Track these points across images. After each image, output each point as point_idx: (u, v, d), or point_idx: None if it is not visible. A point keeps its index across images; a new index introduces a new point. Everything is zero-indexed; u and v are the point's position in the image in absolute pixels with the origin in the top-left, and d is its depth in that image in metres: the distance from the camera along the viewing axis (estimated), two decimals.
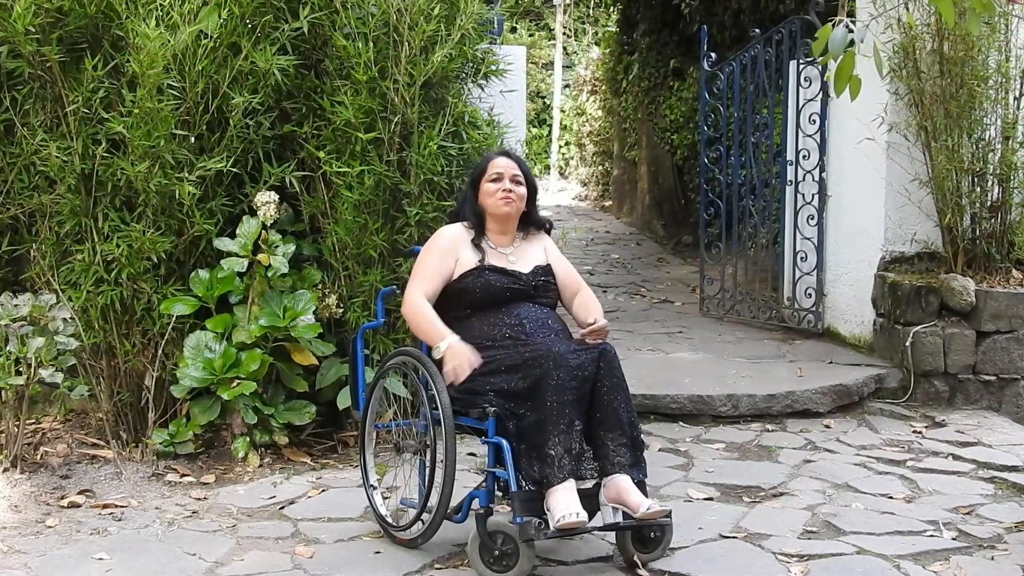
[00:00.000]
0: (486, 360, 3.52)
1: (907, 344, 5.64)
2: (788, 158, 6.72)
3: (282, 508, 4.12)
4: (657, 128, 11.36)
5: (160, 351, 4.62)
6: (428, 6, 4.58)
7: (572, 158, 18.30)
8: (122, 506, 4.11)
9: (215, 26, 4.47)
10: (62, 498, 4.18)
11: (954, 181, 5.68)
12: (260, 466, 4.55)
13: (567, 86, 18.70)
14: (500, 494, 3.50)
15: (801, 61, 6.54)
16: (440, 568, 3.53)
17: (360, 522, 3.97)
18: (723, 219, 7.24)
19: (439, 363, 3.54)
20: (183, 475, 4.46)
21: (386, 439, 4.32)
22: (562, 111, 18.77)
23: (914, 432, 5.21)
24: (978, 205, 5.78)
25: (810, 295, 6.59)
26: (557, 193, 17.26)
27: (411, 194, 4.65)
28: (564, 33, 19.49)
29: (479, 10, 4.75)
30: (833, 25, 2.90)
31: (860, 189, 6.15)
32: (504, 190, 3.73)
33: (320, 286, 4.76)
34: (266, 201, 4.57)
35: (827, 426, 5.32)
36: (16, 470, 4.37)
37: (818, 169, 6.50)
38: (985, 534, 3.83)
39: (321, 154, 4.65)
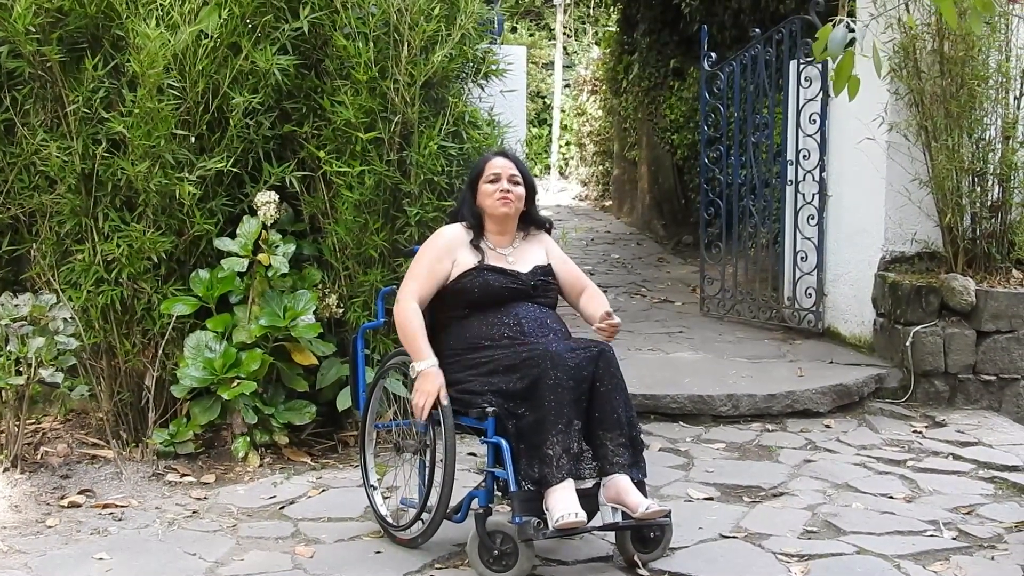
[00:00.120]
0: (483, 360, 3.52)
1: (907, 344, 5.64)
2: (788, 158, 6.72)
3: (282, 508, 4.12)
4: (657, 128, 11.36)
5: (160, 351, 4.62)
6: (428, 6, 4.58)
7: (572, 158, 18.31)
8: (122, 506, 4.12)
9: (215, 26, 4.47)
10: (62, 498, 4.18)
11: (954, 181, 5.68)
12: (260, 466, 4.55)
13: (567, 86, 18.71)
14: (500, 494, 3.50)
15: (801, 61, 6.54)
16: (440, 568, 3.53)
17: (360, 522, 3.97)
18: (723, 219, 7.24)
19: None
20: (183, 475, 4.46)
21: (386, 439, 4.32)
22: (562, 111, 18.78)
23: (914, 432, 5.21)
24: (978, 205, 5.78)
25: (810, 295, 6.59)
26: (557, 193, 17.26)
27: (411, 194, 4.65)
28: (564, 33, 19.51)
29: (479, 10, 4.75)
30: (833, 25, 2.90)
31: (860, 189, 6.15)
32: (502, 191, 3.71)
33: (320, 286, 4.76)
34: (266, 201, 4.57)
35: (827, 426, 5.32)
36: (16, 470, 4.37)
37: (818, 169, 6.50)
38: (985, 534, 3.83)
39: (321, 154, 4.65)
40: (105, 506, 4.11)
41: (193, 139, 4.55)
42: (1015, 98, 5.77)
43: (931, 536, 3.81)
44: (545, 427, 3.33)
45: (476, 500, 3.50)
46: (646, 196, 12.27)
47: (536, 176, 16.38)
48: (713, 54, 7.35)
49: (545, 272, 3.77)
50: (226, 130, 4.58)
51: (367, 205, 4.63)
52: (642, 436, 3.61)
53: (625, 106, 12.75)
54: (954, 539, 3.79)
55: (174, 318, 4.55)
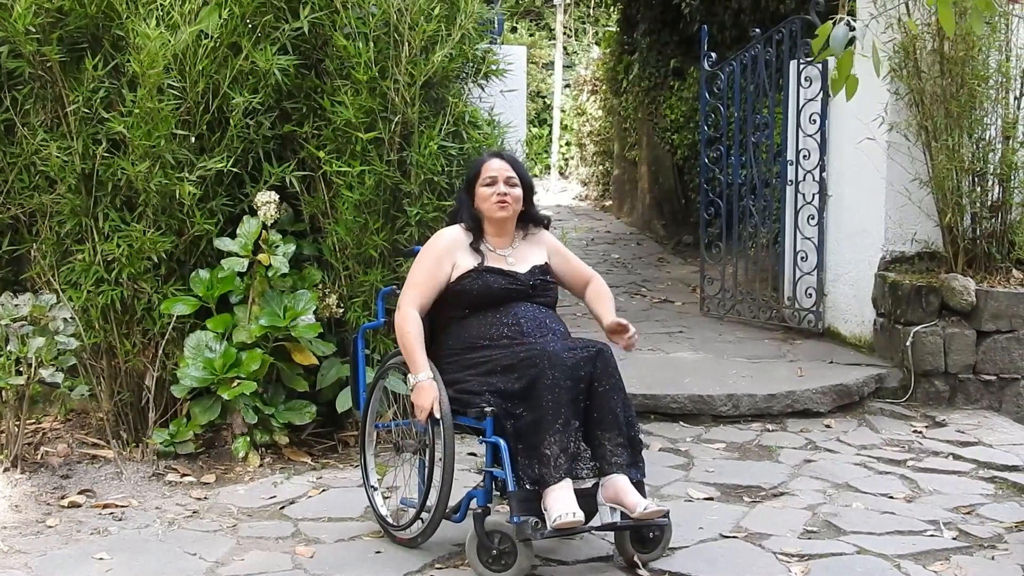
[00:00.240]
0: (482, 360, 3.53)
1: (907, 344, 5.64)
2: (788, 158, 6.71)
3: (282, 508, 4.12)
4: (657, 128, 11.36)
5: (160, 351, 4.62)
6: (428, 6, 4.58)
7: (572, 158, 18.30)
8: (122, 506, 4.12)
9: (215, 26, 4.47)
10: (62, 498, 4.18)
11: (954, 181, 5.68)
12: (260, 466, 4.55)
13: (567, 86, 18.69)
14: (498, 494, 3.49)
15: (801, 61, 6.54)
16: (441, 568, 3.53)
17: (360, 522, 3.97)
18: (723, 219, 7.24)
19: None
20: (183, 475, 4.46)
21: (386, 439, 4.32)
22: (562, 111, 18.77)
23: (914, 432, 5.20)
24: (978, 205, 5.78)
25: (810, 295, 6.59)
26: (557, 193, 17.25)
27: (411, 194, 4.65)
28: (564, 33, 19.49)
29: (479, 10, 4.75)
30: (834, 23, 2.90)
31: (860, 189, 6.15)
32: (499, 195, 3.70)
33: (320, 286, 4.76)
34: (266, 201, 4.57)
35: (827, 426, 5.32)
36: (16, 470, 4.37)
37: (818, 169, 6.50)
38: (985, 534, 3.83)
39: (321, 154, 4.65)
40: (105, 506, 4.11)
41: (193, 139, 4.55)
42: (1015, 98, 5.77)
43: (931, 536, 3.81)
44: (543, 427, 3.33)
45: (475, 500, 3.50)
46: (646, 196, 12.27)
47: (536, 176, 16.38)
48: (713, 54, 7.35)
49: (543, 272, 3.77)
50: (226, 130, 4.58)
51: (367, 205, 4.63)
52: (642, 436, 3.61)
53: (625, 106, 12.74)
54: (954, 539, 3.79)
55: (174, 318, 4.55)
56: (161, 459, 4.55)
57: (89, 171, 4.56)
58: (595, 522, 3.40)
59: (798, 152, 6.62)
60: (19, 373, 4.35)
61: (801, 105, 6.58)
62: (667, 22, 10.91)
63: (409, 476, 3.79)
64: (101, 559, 3.59)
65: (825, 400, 5.47)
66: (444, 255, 3.69)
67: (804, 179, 6.62)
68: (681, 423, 5.31)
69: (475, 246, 3.72)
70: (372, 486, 3.88)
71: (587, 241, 11.68)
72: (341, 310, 4.73)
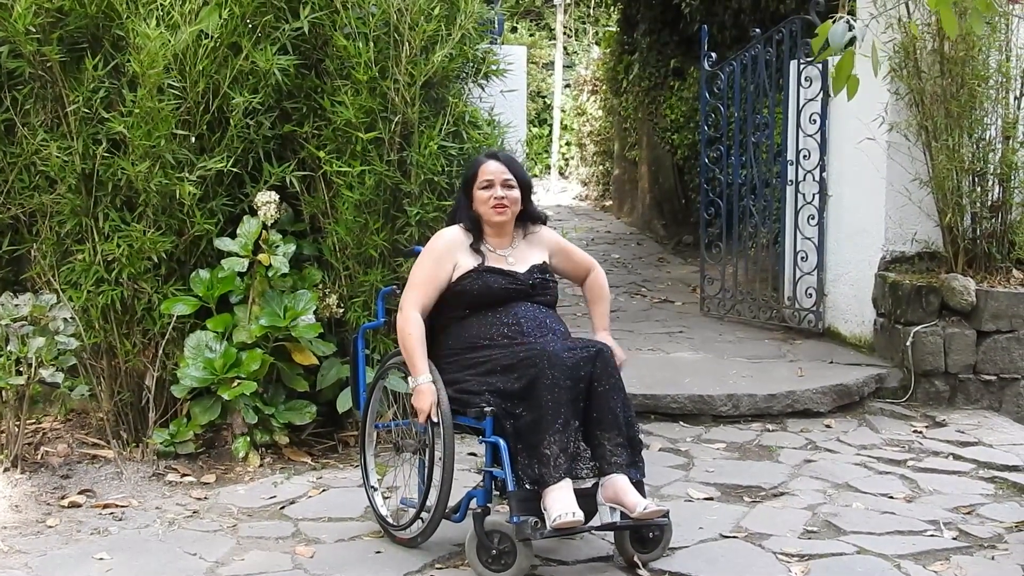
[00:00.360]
0: (481, 360, 3.53)
1: (907, 344, 5.64)
2: (788, 158, 6.71)
3: (282, 508, 4.12)
4: (657, 128, 11.36)
5: (160, 351, 4.62)
6: (428, 6, 4.58)
7: (572, 158, 18.30)
8: (122, 506, 4.12)
9: (215, 26, 4.47)
10: (63, 498, 4.18)
11: (954, 181, 5.68)
12: (260, 466, 4.55)
13: (567, 86, 18.69)
14: (498, 493, 3.49)
15: (802, 61, 6.54)
16: (441, 568, 3.53)
17: (360, 522, 3.97)
18: (723, 219, 7.24)
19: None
20: (183, 475, 4.46)
21: (386, 439, 4.32)
22: (562, 111, 18.77)
23: (914, 432, 5.20)
24: (979, 205, 5.78)
25: (810, 295, 6.59)
26: (558, 193, 17.25)
27: (412, 194, 4.65)
28: (564, 33, 19.49)
29: (479, 10, 4.75)
30: (833, 22, 2.90)
31: (860, 189, 6.15)
32: (496, 199, 3.69)
33: (320, 286, 4.76)
34: (266, 201, 4.57)
35: (827, 426, 5.31)
36: (17, 470, 4.37)
37: (818, 169, 6.50)
38: (985, 534, 3.83)
39: (321, 154, 4.65)
40: (105, 506, 4.11)
41: (193, 139, 4.55)
42: (1015, 98, 5.77)
43: (931, 536, 3.81)
44: (542, 427, 3.33)
45: (475, 500, 3.50)
46: (646, 196, 12.27)
47: (536, 176, 16.34)
48: (713, 54, 7.35)
49: (542, 271, 3.77)
50: (226, 130, 4.58)
51: (367, 205, 4.63)
52: (642, 436, 3.61)
53: (625, 106, 12.74)
54: (954, 539, 3.79)
55: (174, 318, 4.55)
56: (161, 459, 4.55)
57: (89, 171, 4.56)
58: (595, 522, 3.40)
59: (798, 152, 6.62)
60: (19, 373, 4.35)
61: (801, 105, 6.58)
62: (667, 22, 10.91)
63: (409, 476, 3.79)
64: (101, 559, 3.59)
65: (825, 400, 5.47)
66: (445, 256, 3.69)
67: (804, 179, 6.61)
68: (681, 423, 5.31)
69: (475, 246, 3.72)
70: (372, 486, 3.88)
71: (587, 241, 11.67)
72: (341, 310, 4.73)
